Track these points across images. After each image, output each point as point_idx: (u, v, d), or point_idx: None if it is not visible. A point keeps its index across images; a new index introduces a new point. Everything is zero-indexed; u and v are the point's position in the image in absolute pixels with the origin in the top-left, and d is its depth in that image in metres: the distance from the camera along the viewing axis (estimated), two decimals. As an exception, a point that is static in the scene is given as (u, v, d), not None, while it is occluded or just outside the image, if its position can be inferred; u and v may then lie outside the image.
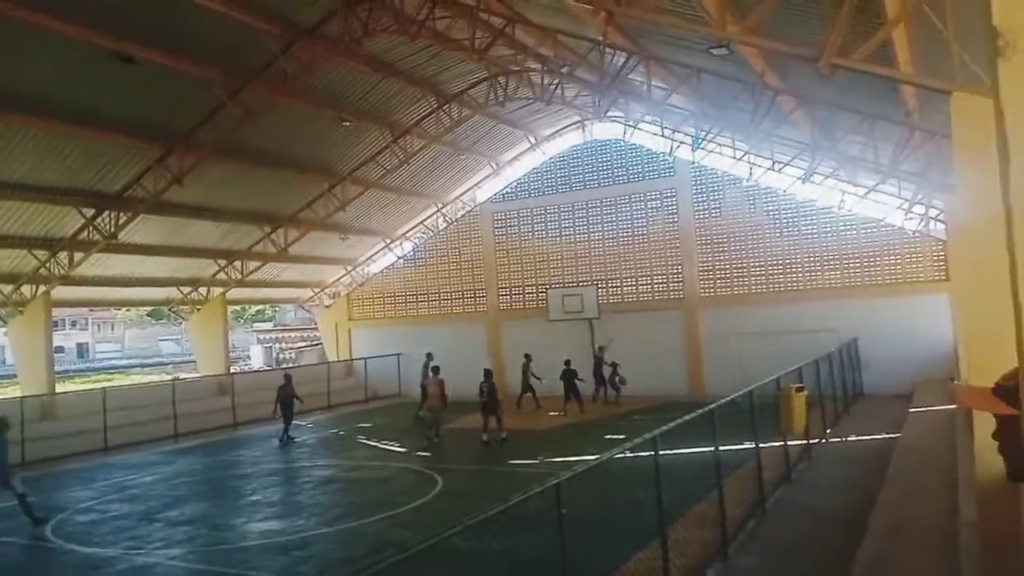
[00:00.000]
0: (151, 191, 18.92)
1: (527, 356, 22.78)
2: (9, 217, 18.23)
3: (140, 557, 10.14)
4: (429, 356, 22.48)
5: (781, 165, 21.48)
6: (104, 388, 22.25)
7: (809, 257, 23.41)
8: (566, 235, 27.32)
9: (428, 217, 30.15)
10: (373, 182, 24.47)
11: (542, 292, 26.67)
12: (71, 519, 12.51)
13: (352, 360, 30.58)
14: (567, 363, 21.93)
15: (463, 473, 14.86)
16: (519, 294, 28.18)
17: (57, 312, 23.40)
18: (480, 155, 27.43)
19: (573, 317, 25.03)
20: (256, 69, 16.98)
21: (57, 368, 23.51)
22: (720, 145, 22.43)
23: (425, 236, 30.46)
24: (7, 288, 20.78)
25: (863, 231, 22.81)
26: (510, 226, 28.45)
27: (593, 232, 26.83)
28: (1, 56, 13.75)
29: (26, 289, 21.01)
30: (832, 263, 23.10)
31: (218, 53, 16.25)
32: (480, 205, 29.40)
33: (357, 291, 31.42)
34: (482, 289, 28.84)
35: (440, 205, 29.71)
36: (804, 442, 13.14)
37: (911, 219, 21.64)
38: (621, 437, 12.99)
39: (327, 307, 31.89)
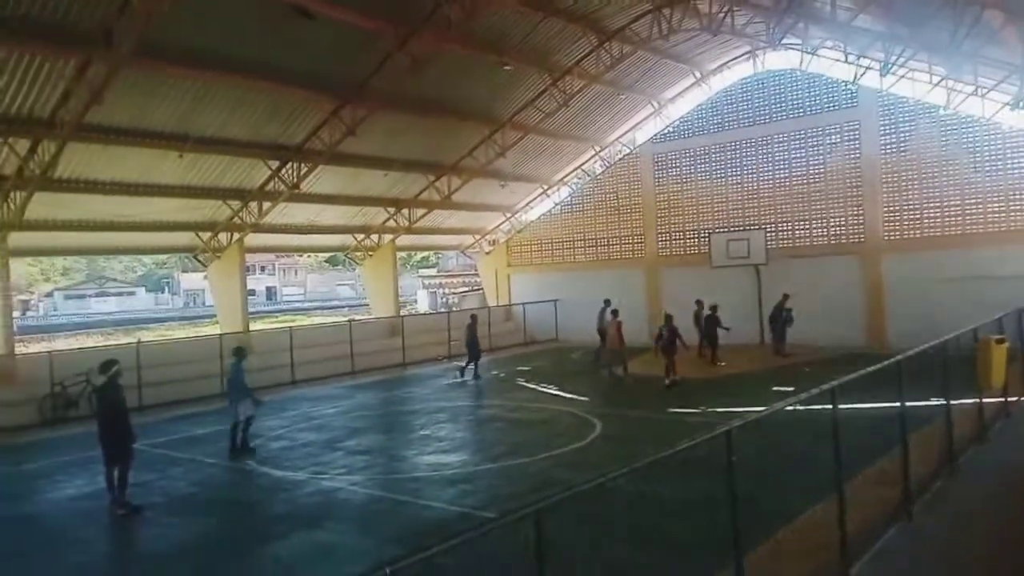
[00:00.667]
0: (328, 143, 20.00)
1: (699, 303, 22.06)
2: (206, 169, 19.99)
3: (325, 481, 11.02)
4: (607, 302, 22.69)
5: (985, 90, 19.02)
6: (291, 327, 24.23)
7: (1015, 194, 20.78)
8: (732, 176, 25.99)
9: (586, 161, 29.79)
10: (532, 127, 24.45)
11: (704, 237, 25.68)
12: (266, 445, 13.81)
13: (511, 305, 31.24)
14: (713, 309, 21.18)
15: (622, 419, 14.82)
16: (680, 239, 27.33)
17: (248, 258, 25.63)
18: (641, 94, 26.53)
19: (738, 263, 23.92)
20: (421, 18, 17.27)
21: (249, 309, 25.82)
22: (912, 70, 20.20)
23: (582, 181, 30.17)
24: (206, 235, 22.97)
25: (1084, 164, 19.89)
26: (671, 168, 27.48)
27: (762, 172, 25.31)
28: (190, 14, 14.81)
29: (223, 236, 23.12)
30: (1044, 201, 20.40)
31: (386, 4, 16.66)
32: (640, 147, 28.60)
33: (516, 238, 31.86)
34: (640, 234, 28.25)
35: (598, 148, 29.21)
36: (1002, 399, 11.88)
37: None
38: (789, 389, 12.37)
39: (487, 253, 32.65)
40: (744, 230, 24.75)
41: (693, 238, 26.73)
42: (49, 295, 78.54)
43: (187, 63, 15.78)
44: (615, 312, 20.43)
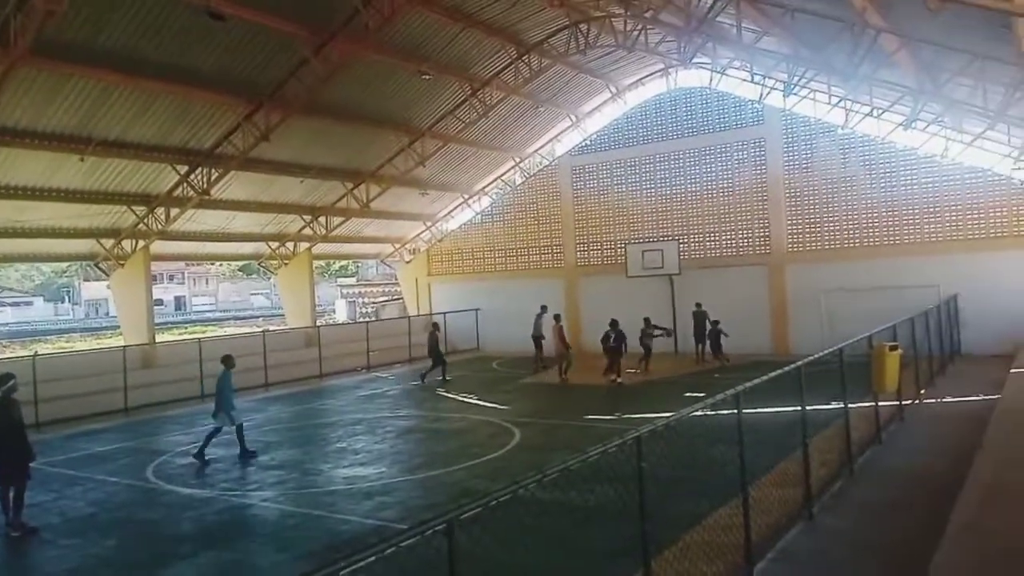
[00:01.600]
0: (240, 148, 19.47)
1: (646, 320, 21.71)
2: (109, 173, 19.11)
3: (235, 498, 10.68)
4: (543, 308, 23.55)
5: (880, 111, 20.22)
6: (200, 339, 23.38)
7: (907, 209, 22.15)
8: (647, 188, 26.70)
9: (506, 172, 30.06)
10: (452, 136, 24.48)
11: (621, 247, 26.27)
12: (171, 461, 13.28)
13: (432, 314, 31.05)
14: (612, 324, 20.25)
15: (540, 427, 14.95)
16: (597, 249, 27.85)
17: (155, 266, 24.55)
18: (559, 107, 27.00)
19: (653, 273, 24.57)
20: (339, 24, 17.07)
21: (156, 320, 24.79)
22: (814, 91, 21.30)
23: (502, 191, 30.39)
24: (109, 243, 21.92)
25: (967, 181, 21.36)
26: (589, 180, 28.01)
27: (675, 185, 26.12)
28: (94, 14, 14.24)
29: (127, 243, 22.11)
30: (932, 215, 21.80)
31: (302, 9, 16.42)
32: (558, 159, 29.05)
33: (436, 246, 31.77)
34: (559, 244, 28.64)
35: (518, 159, 29.53)
36: (896, 403, 12.60)
37: (1020, 169, 20.12)
38: (700, 395, 12.77)
39: (407, 262, 32.41)
40: (658, 241, 25.45)
41: (610, 248, 27.29)
42: (-65, 306, 73.29)
43: (89, 63, 15.11)
44: (556, 317, 21.45)
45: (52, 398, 17.50)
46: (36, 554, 8.94)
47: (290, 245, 27.22)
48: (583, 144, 28.40)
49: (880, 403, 11.49)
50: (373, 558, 3.50)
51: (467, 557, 3.92)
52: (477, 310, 29.41)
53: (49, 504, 10.76)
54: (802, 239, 23.85)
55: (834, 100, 21.28)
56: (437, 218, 31.24)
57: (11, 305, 74.93)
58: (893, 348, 11.60)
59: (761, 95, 23.37)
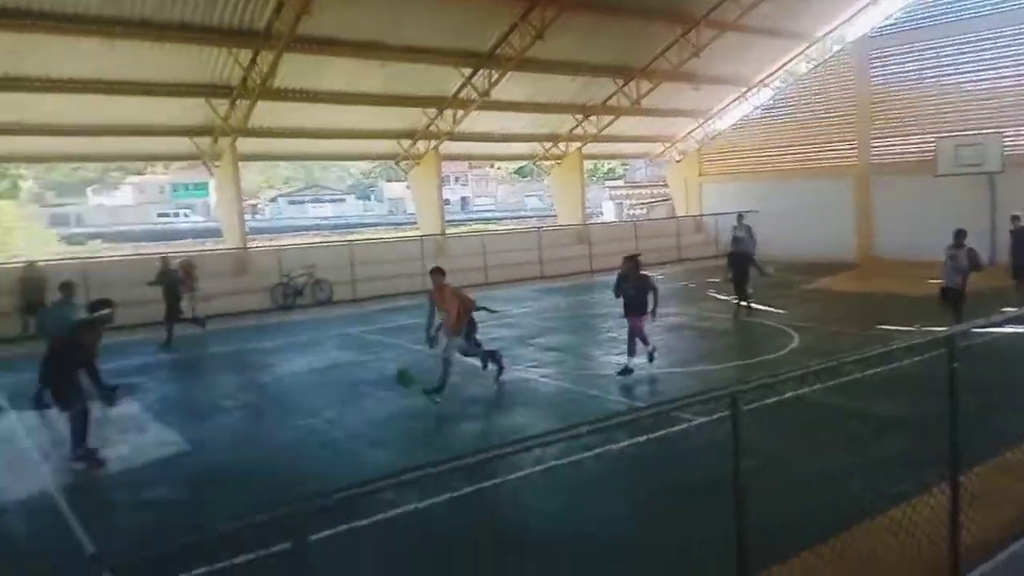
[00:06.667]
0: (517, 48, 20.03)
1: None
2: (405, 78, 20.82)
3: (517, 373, 11.57)
4: (740, 216, 20.89)
5: None
6: (482, 233, 25.24)
7: None
8: (963, 73, 22.83)
9: (790, 60, 27.50)
10: (730, 23, 22.79)
11: (924, 144, 23.02)
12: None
13: (701, 216, 30.22)
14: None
15: (821, 332, 14.04)
16: (895, 146, 24.73)
17: (444, 167, 26.71)
18: (860, -20, 23.79)
19: (967, 171, 21.29)
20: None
21: (446, 217, 27.13)
22: None
23: (785, 82, 27.97)
24: (406, 143, 24.16)
25: None
26: (889, 66, 24.63)
27: (1001, 68, 21.96)
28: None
29: (421, 144, 24.24)
30: None
31: None
32: (852, 43, 25.85)
33: (708, 145, 30.45)
34: (851, 140, 25.85)
35: (805, 45, 26.77)
36: None
37: None
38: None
39: (677, 162, 31.57)
40: (976, 134, 21.84)
41: (912, 144, 24.05)
42: (273, 200, 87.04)
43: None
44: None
45: (366, 279, 20.71)
46: (359, 402, 10.48)
47: (562, 145, 27.82)
48: (884, 25, 24.87)
49: None
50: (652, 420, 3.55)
51: (749, 448, 3.74)
52: (752, 212, 27.93)
53: (370, 363, 12.76)
54: None
55: None
56: (711, 114, 29.76)
57: (330, 202, 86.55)
58: None
59: None
